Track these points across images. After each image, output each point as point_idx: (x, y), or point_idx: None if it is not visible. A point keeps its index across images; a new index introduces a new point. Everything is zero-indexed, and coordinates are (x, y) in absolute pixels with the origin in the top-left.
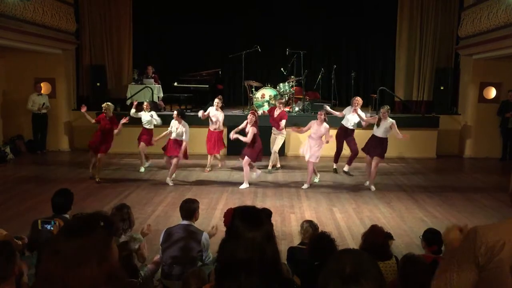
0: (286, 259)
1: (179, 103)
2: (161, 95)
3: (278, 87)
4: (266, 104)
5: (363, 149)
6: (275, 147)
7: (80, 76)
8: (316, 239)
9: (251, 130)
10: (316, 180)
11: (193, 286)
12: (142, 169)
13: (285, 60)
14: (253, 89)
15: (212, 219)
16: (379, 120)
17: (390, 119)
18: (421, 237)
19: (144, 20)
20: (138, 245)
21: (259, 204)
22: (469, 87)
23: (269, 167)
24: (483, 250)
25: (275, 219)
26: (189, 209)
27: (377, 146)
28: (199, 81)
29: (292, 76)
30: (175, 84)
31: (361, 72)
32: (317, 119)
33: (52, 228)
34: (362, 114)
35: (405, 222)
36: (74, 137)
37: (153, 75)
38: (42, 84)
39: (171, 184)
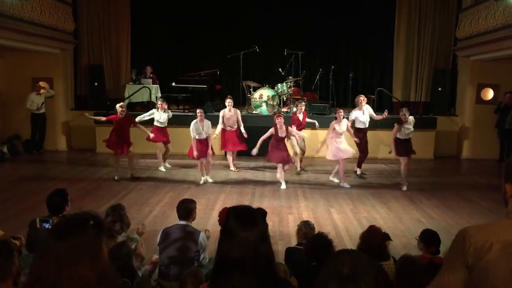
0: (283, 259)
1: (177, 103)
2: (159, 95)
3: (276, 88)
4: (264, 105)
5: (399, 154)
6: (303, 147)
7: (78, 75)
8: (313, 239)
9: (293, 130)
10: (346, 185)
11: (190, 286)
12: (163, 169)
13: (283, 60)
14: (251, 90)
15: (209, 219)
16: (402, 124)
17: (411, 117)
18: (417, 238)
19: (143, 20)
20: (135, 245)
21: (257, 205)
22: (467, 88)
23: (298, 169)
24: (471, 250)
25: (272, 220)
26: (186, 209)
27: (402, 147)
28: (197, 81)
29: (290, 77)
30: (173, 84)
31: (359, 73)
32: (336, 119)
33: (50, 227)
34: (371, 110)
35: (403, 223)
36: (71, 137)
37: (151, 75)
38: (41, 84)
39: (210, 181)
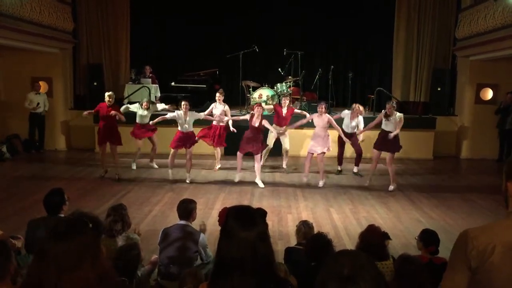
0: (283, 259)
1: (177, 102)
2: (159, 94)
3: (275, 87)
4: (263, 105)
5: (374, 147)
6: (287, 146)
7: (77, 75)
8: (313, 239)
9: (265, 123)
10: (305, 180)
11: (190, 285)
12: (134, 166)
13: (283, 60)
14: (251, 89)
15: (209, 219)
16: (387, 116)
17: (399, 113)
18: (416, 238)
19: (142, 19)
20: None
21: (256, 204)
22: (466, 88)
23: (285, 166)
24: (474, 253)
25: (272, 219)
26: (186, 209)
27: (388, 140)
28: (196, 80)
29: (290, 77)
30: (173, 83)
31: (358, 73)
32: (317, 112)
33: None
34: (361, 123)
35: (402, 223)
36: (71, 136)
37: (150, 74)
38: (40, 83)
39: (188, 181)
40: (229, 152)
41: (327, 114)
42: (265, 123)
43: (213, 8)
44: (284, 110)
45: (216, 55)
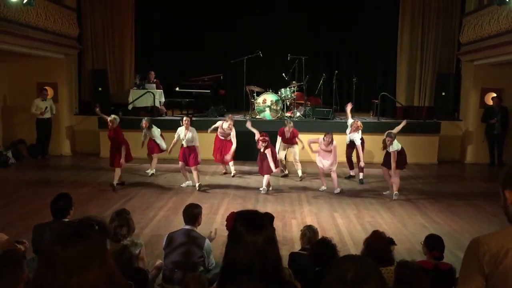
0: (287, 264)
1: (181, 108)
2: (163, 100)
3: (279, 92)
4: (267, 109)
5: (382, 164)
6: (296, 156)
7: (82, 80)
8: (317, 244)
9: (267, 151)
10: (323, 188)
11: None
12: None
13: (287, 65)
14: (255, 94)
15: (213, 224)
16: (385, 147)
17: (396, 143)
18: (422, 242)
19: (146, 25)
20: (139, 250)
21: (260, 209)
22: (471, 93)
23: (300, 173)
24: (487, 258)
25: (276, 224)
26: (192, 214)
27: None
28: (200, 86)
29: (294, 81)
30: (177, 89)
31: (362, 77)
32: (324, 140)
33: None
34: (358, 140)
35: (407, 228)
36: (76, 141)
37: (155, 80)
38: (47, 89)
39: (197, 186)
40: (238, 157)
41: (333, 144)
42: (268, 152)
43: (216, 14)
44: (287, 134)
45: (220, 60)
